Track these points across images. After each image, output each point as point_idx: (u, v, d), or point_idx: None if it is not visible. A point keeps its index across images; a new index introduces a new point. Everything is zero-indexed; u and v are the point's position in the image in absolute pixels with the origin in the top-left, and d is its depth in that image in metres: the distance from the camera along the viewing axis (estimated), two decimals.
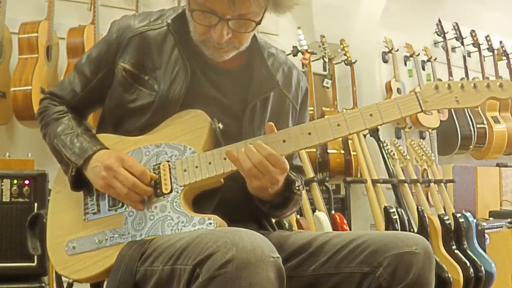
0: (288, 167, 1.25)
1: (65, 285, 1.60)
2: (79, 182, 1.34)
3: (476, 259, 3.23)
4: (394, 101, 1.25)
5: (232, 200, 1.35)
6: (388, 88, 4.15)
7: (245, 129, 1.38)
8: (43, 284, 2.11)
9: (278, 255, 1.05)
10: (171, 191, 1.28)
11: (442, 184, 3.60)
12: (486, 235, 3.48)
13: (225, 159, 1.27)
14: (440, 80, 4.50)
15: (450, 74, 4.67)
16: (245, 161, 1.22)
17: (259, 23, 1.30)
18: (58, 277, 1.42)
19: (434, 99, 1.24)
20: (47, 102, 1.48)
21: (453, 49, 4.87)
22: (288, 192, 1.35)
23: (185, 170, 1.29)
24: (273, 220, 1.50)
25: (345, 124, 1.25)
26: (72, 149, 1.35)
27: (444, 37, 4.72)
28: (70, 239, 1.32)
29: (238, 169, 1.24)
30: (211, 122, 1.32)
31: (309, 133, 1.26)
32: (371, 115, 1.24)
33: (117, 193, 1.28)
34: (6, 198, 2.15)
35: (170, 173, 1.30)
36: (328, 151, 3.71)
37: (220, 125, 1.33)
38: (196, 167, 1.28)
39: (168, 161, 1.31)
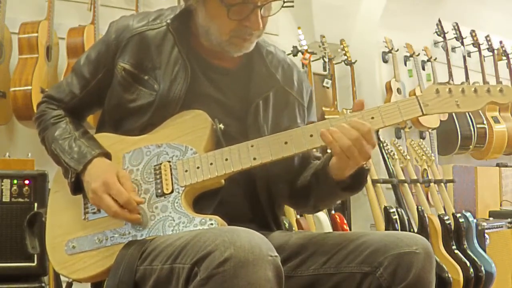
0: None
1: (64, 285, 1.60)
2: (79, 186, 1.34)
3: (476, 259, 3.23)
4: (395, 105, 1.26)
5: (232, 201, 1.35)
6: (388, 88, 4.15)
7: (250, 129, 1.38)
8: (43, 284, 2.11)
9: (277, 254, 1.05)
10: (172, 192, 1.28)
11: (442, 184, 3.60)
12: (486, 235, 3.48)
13: (226, 160, 1.27)
14: (441, 84, 4.49)
15: (450, 74, 4.67)
16: (342, 138, 1.21)
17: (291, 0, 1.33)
18: (57, 276, 1.42)
19: (435, 103, 1.25)
20: (45, 106, 1.47)
21: (453, 49, 4.87)
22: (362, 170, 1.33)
23: (186, 171, 1.28)
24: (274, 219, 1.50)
25: None
26: (71, 154, 1.34)
27: (444, 37, 4.72)
28: (70, 238, 1.31)
29: (332, 149, 1.23)
30: (212, 122, 1.32)
31: (311, 135, 1.26)
32: (372, 118, 1.25)
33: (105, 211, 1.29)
34: (6, 198, 2.15)
35: (171, 173, 1.29)
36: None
37: (222, 126, 1.33)
38: (198, 167, 1.28)
39: (169, 162, 1.31)
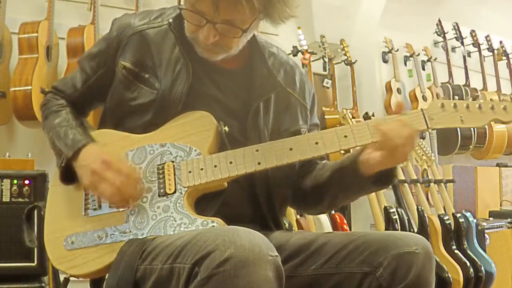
0: None
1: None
2: (68, 175, 1.34)
3: (476, 259, 3.23)
4: (401, 117, 1.27)
5: (234, 203, 1.35)
6: (388, 88, 4.15)
7: (250, 131, 1.37)
8: (43, 284, 2.11)
9: (277, 254, 1.05)
10: (174, 192, 1.27)
11: (442, 184, 3.60)
12: (486, 235, 3.47)
13: (231, 163, 1.27)
14: (443, 84, 4.51)
15: (450, 74, 4.67)
16: (398, 138, 1.24)
17: (245, 31, 1.29)
18: (56, 275, 1.42)
19: (440, 117, 1.27)
20: (50, 96, 1.50)
21: (453, 49, 4.87)
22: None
23: (190, 172, 1.28)
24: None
25: (352, 136, 1.27)
26: (65, 140, 1.35)
27: (444, 37, 4.73)
28: (69, 234, 1.31)
29: (386, 144, 1.25)
30: (218, 125, 1.32)
31: (316, 143, 1.27)
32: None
33: (102, 194, 1.28)
34: (6, 198, 2.16)
35: (174, 173, 1.29)
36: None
37: (226, 128, 1.33)
38: (201, 169, 1.28)
39: (172, 162, 1.31)
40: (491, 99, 4.65)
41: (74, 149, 1.32)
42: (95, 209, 1.32)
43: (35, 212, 1.56)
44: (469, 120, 1.26)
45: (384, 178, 1.35)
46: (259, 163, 1.27)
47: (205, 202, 1.30)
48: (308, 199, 1.49)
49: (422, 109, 1.27)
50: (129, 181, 1.26)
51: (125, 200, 1.26)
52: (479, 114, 1.26)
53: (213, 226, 1.19)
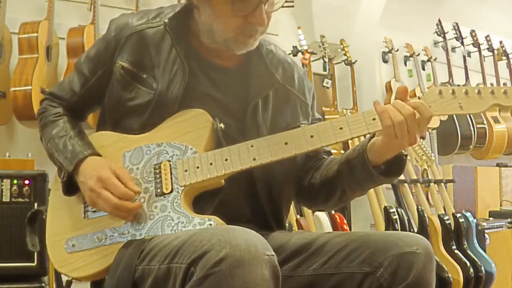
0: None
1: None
2: (71, 186, 1.34)
3: (476, 259, 3.23)
4: None
5: (232, 201, 1.35)
6: (388, 88, 4.15)
7: (248, 128, 1.37)
8: (43, 284, 2.11)
9: (273, 253, 1.05)
10: (171, 191, 1.27)
11: (442, 184, 3.60)
12: (486, 235, 3.47)
13: (226, 160, 1.27)
14: (442, 84, 4.51)
15: (450, 74, 4.67)
16: (395, 112, 1.20)
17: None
18: (58, 275, 1.42)
19: (438, 104, 1.23)
20: (46, 103, 1.49)
21: (453, 49, 4.87)
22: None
23: (186, 170, 1.28)
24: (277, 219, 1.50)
25: (347, 127, 1.25)
26: (64, 153, 1.35)
27: (444, 37, 4.73)
28: (70, 236, 1.31)
29: (383, 123, 1.21)
30: (213, 122, 1.32)
31: (311, 136, 1.26)
32: (374, 119, 1.24)
33: (103, 210, 1.28)
34: (6, 198, 2.15)
35: (171, 172, 1.29)
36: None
37: (222, 125, 1.32)
38: (197, 167, 1.28)
39: (169, 161, 1.31)
40: (491, 84, 4.65)
41: (74, 163, 1.32)
42: (94, 211, 1.32)
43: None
44: (468, 106, 1.22)
45: (393, 167, 1.31)
46: (254, 159, 1.26)
47: (203, 201, 1.31)
48: (318, 195, 1.47)
49: (419, 97, 1.24)
50: (125, 198, 1.25)
51: (125, 214, 1.26)
52: (479, 99, 1.22)
53: (210, 224, 1.19)
